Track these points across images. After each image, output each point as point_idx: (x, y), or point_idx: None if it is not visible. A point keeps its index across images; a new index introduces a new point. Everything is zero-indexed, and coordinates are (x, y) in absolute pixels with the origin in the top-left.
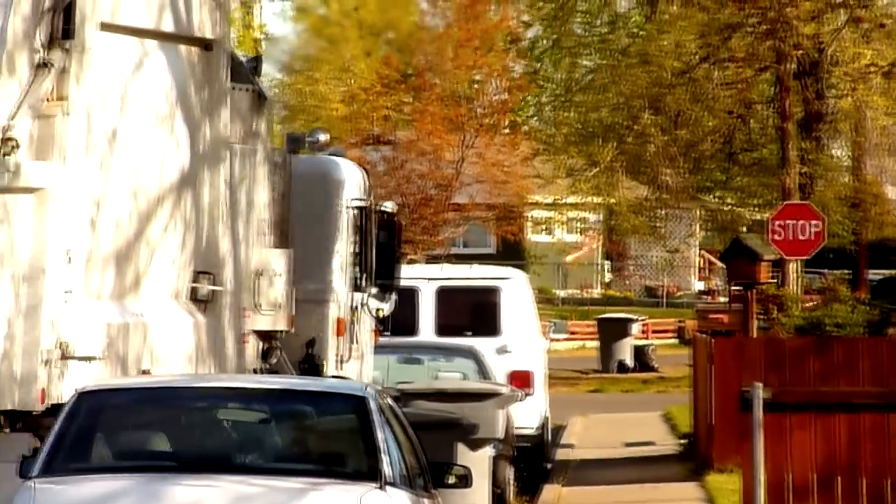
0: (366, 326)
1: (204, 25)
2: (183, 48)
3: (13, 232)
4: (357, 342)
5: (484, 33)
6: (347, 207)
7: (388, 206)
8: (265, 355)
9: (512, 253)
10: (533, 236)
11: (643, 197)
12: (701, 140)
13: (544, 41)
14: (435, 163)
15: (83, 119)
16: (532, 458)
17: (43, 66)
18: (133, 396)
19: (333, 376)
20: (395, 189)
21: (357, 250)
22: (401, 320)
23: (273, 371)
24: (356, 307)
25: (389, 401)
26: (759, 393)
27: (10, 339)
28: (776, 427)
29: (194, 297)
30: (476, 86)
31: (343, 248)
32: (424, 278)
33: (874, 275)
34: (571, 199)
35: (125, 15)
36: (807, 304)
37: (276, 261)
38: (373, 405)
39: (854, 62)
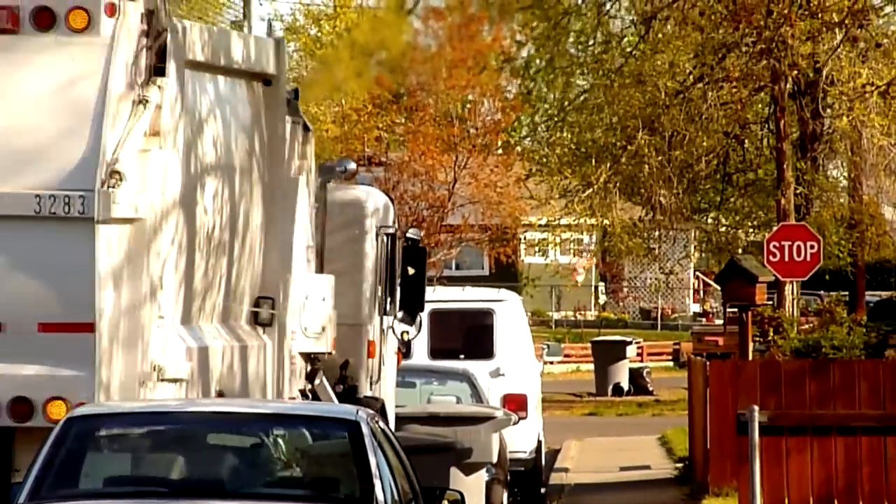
0: (391, 349)
1: (267, 62)
2: (252, 84)
3: (114, 260)
4: (385, 364)
5: (477, 53)
6: (378, 234)
7: (414, 233)
8: (310, 377)
9: (506, 275)
10: (527, 258)
11: (638, 218)
12: (696, 160)
13: (538, 61)
14: (428, 183)
15: (175, 152)
16: (527, 483)
17: (140, 102)
18: (122, 421)
19: (367, 397)
20: None
21: (385, 275)
22: None
23: (315, 393)
24: (384, 330)
25: (382, 425)
26: (756, 416)
27: (113, 363)
28: (773, 450)
29: (256, 320)
30: (469, 106)
31: (373, 274)
32: None
33: (871, 296)
34: (566, 221)
35: (205, 53)
36: (804, 327)
37: (321, 286)
38: (365, 429)
39: (850, 81)
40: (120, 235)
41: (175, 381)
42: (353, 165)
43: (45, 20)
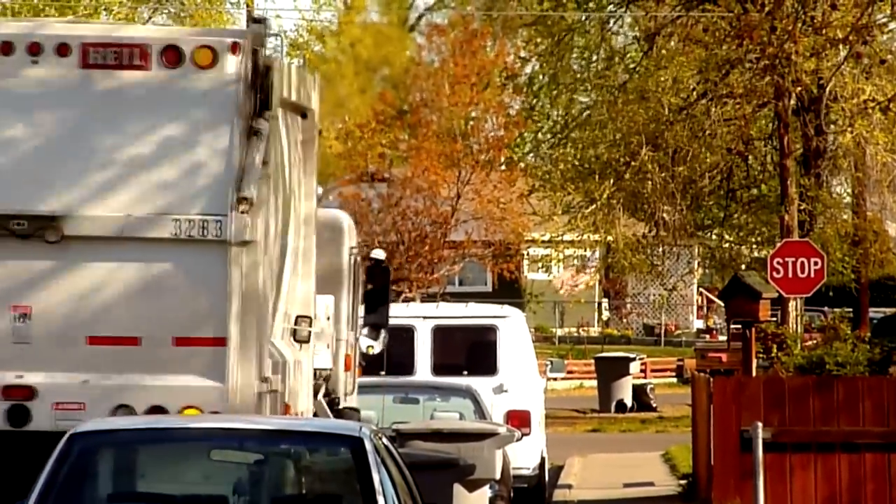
0: (356, 362)
1: (309, 96)
2: (297, 117)
3: (240, 279)
4: (356, 377)
5: (480, 69)
6: (349, 255)
7: (378, 253)
8: (315, 392)
9: (509, 291)
10: (530, 274)
11: (641, 234)
12: (700, 177)
13: (541, 77)
14: (431, 199)
15: (273, 181)
16: (530, 499)
17: (254, 133)
18: (125, 438)
19: (346, 408)
20: (391, 226)
21: (355, 293)
22: (397, 359)
23: (319, 406)
24: (357, 345)
25: (385, 441)
26: (760, 433)
27: (240, 375)
28: (777, 467)
29: (295, 337)
30: (472, 122)
31: (348, 292)
32: (420, 317)
33: (875, 313)
34: (569, 237)
35: (286, 88)
36: (807, 343)
37: (327, 304)
38: (369, 446)
39: (854, 98)
40: (244, 256)
41: (273, 392)
42: (320, 189)
43: (172, 57)
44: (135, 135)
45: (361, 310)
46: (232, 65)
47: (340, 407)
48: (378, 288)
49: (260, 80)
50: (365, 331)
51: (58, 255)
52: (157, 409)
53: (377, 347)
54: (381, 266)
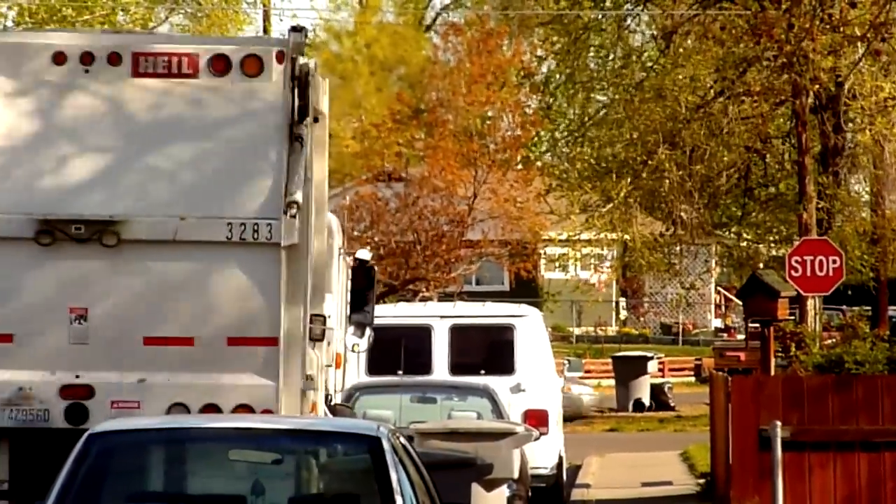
0: (345, 360)
1: (320, 100)
2: (316, 125)
3: (289, 281)
4: (344, 375)
5: (497, 68)
6: (338, 255)
7: (364, 254)
8: None
9: (526, 290)
10: (547, 273)
11: (659, 233)
12: (717, 175)
13: (558, 76)
14: (448, 199)
15: (307, 184)
16: (548, 499)
17: (297, 139)
18: (144, 438)
19: (339, 405)
20: (408, 226)
21: (343, 292)
22: (414, 359)
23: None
24: (346, 343)
25: (403, 440)
26: (779, 432)
27: (289, 374)
28: (796, 466)
29: (311, 336)
30: (489, 121)
31: (338, 292)
32: (438, 316)
33: (894, 311)
34: (586, 236)
35: (315, 94)
36: (826, 342)
37: (330, 304)
38: (386, 445)
39: (872, 95)
40: (292, 259)
41: (313, 388)
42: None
43: (220, 66)
44: (186, 141)
45: (347, 309)
46: (277, 73)
47: (332, 404)
48: (363, 288)
49: (300, 88)
50: (351, 329)
51: (114, 257)
52: (211, 407)
53: (362, 346)
54: (366, 266)
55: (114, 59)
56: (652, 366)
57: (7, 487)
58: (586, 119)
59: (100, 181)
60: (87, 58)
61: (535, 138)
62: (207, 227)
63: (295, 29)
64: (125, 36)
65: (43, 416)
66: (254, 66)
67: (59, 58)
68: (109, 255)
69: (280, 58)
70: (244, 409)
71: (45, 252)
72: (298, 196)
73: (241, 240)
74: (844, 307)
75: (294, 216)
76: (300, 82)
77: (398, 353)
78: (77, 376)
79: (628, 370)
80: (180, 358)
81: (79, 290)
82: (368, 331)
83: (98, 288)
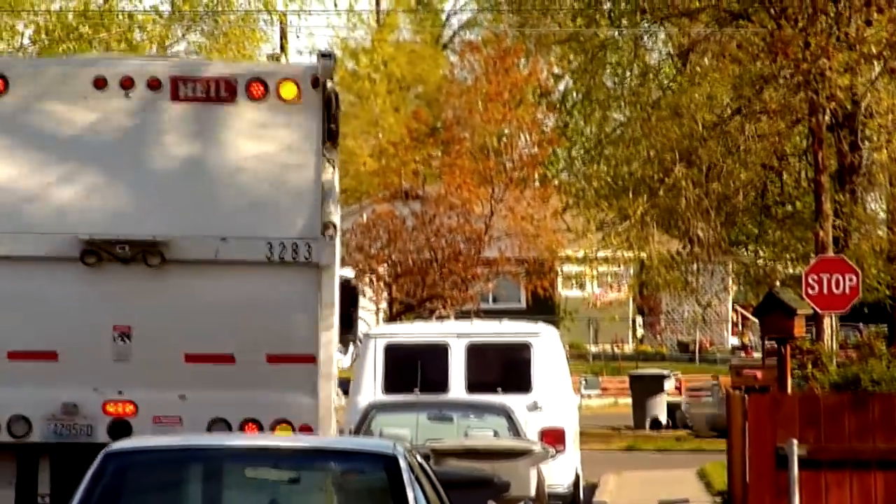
0: None
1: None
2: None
3: (325, 300)
4: None
5: (513, 86)
6: None
7: (347, 272)
8: None
9: (543, 308)
10: (564, 291)
11: (675, 251)
12: (734, 193)
13: (574, 94)
14: (464, 216)
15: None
16: None
17: (328, 161)
18: (160, 457)
19: None
20: (425, 243)
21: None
22: (431, 377)
23: None
24: None
25: (419, 459)
26: (795, 450)
27: (324, 390)
28: (812, 484)
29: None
30: (505, 139)
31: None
32: (454, 334)
33: None
34: (603, 254)
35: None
36: (842, 360)
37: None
38: (403, 463)
39: (889, 114)
40: (326, 278)
41: (340, 409)
42: None
43: (257, 90)
44: (225, 164)
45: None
46: (312, 97)
47: None
48: (347, 306)
49: (330, 112)
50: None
51: (157, 277)
52: (251, 423)
53: (345, 362)
54: (349, 285)
55: (153, 83)
56: (669, 384)
57: (49, 501)
58: (603, 137)
59: (143, 203)
60: (127, 82)
61: (552, 156)
62: (248, 247)
63: (324, 55)
64: (165, 61)
65: (87, 432)
66: (290, 90)
67: (99, 82)
68: (153, 275)
69: (315, 83)
70: (283, 424)
71: (91, 272)
72: (335, 217)
73: (281, 260)
74: (861, 325)
75: (332, 237)
76: (330, 106)
77: (415, 371)
78: (120, 392)
79: (645, 388)
80: (221, 375)
81: (122, 308)
82: (352, 347)
83: (141, 307)
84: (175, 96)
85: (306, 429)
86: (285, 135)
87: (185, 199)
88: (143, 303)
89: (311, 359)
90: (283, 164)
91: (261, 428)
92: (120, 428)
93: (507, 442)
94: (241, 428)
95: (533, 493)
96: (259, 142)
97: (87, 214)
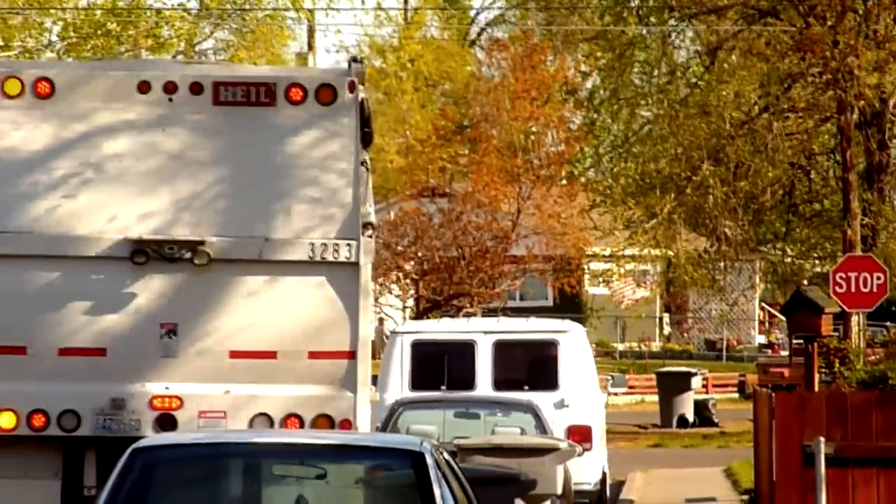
0: None
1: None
2: None
3: (363, 298)
4: None
5: (540, 84)
6: None
7: None
8: None
9: (570, 305)
10: (591, 289)
11: (703, 249)
12: (761, 191)
13: (602, 91)
14: (491, 214)
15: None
16: None
17: (363, 164)
18: (187, 452)
19: None
20: (452, 241)
21: None
22: (457, 374)
23: None
24: None
25: (446, 456)
26: (822, 448)
27: (363, 386)
28: (839, 482)
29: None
30: (533, 137)
31: None
32: (481, 332)
33: None
34: (630, 251)
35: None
36: (870, 358)
37: None
38: (430, 461)
39: None
40: (366, 277)
41: (373, 402)
42: None
43: (296, 95)
44: (267, 166)
45: None
46: (349, 101)
47: None
48: None
49: (363, 115)
50: None
51: (204, 276)
52: (292, 417)
53: None
54: None
55: (196, 88)
56: (696, 382)
57: (95, 493)
58: (630, 135)
59: (188, 204)
60: (170, 86)
61: (579, 154)
62: (291, 246)
63: (355, 60)
64: (207, 66)
65: (135, 426)
66: (328, 94)
67: (143, 86)
68: (199, 274)
69: (352, 87)
70: (324, 419)
71: (139, 271)
72: (373, 217)
73: (322, 259)
74: (888, 323)
75: (370, 237)
76: (364, 110)
77: (441, 368)
78: (167, 388)
79: (672, 386)
80: (263, 370)
81: (169, 306)
82: None
83: (187, 304)
84: (217, 100)
85: (346, 423)
86: (324, 138)
87: (229, 200)
88: (189, 301)
89: (351, 355)
90: (323, 167)
91: (302, 423)
92: (166, 422)
93: (534, 439)
94: (283, 422)
95: (559, 490)
96: (299, 145)
97: (136, 215)
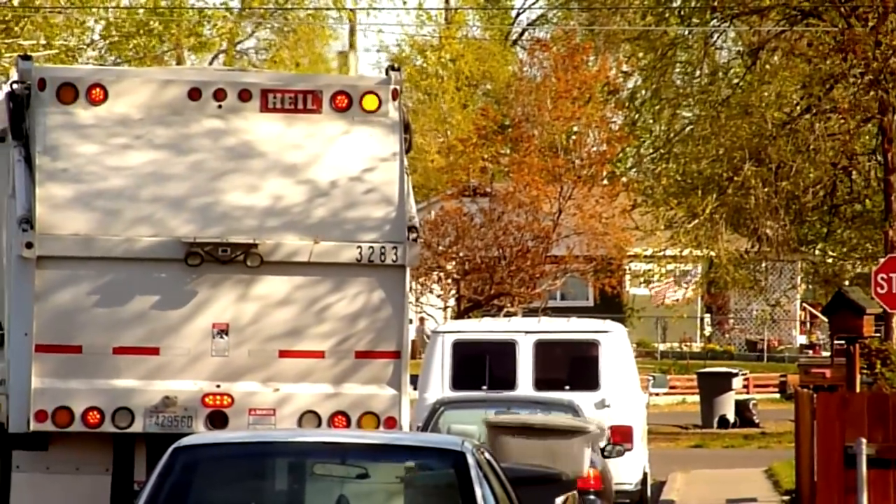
0: None
1: None
2: None
3: (406, 300)
4: None
5: (582, 84)
6: None
7: None
8: None
9: (610, 306)
10: (632, 289)
11: (744, 249)
12: (803, 192)
13: (644, 92)
14: (532, 214)
15: None
16: None
17: (405, 169)
18: (228, 452)
19: None
20: (493, 241)
21: None
22: (498, 374)
23: None
24: None
25: (487, 456)
26: (864, 449)
27: (406, 385)
28: (881, 484)
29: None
30: (574, 137)
31: None
32: (522, 331)
33: None
34: (671, 252)
35: None
36: None
37: None
38: (471, 460)
39: None
40: (408, 279)
41: (413, 401)
42: None
43: (342, 102)
44: (315, 171)
45: None
46: (393, 109)
47: None
48: None
49: (404, 122)
50: None
51: (255, 277)
52: (339, 415)
53: None
54: None
55: (245, 95)
56: (737, 382)
57: None
58: (672, 135)
59: (240, 207)
60: (220, 94)
61: (621, 154)
62: (340, 249)
63: (394, 68)
64: (255, 74)
65: (187, 423)
66: (373, 102)
67: (194, 93)
68: (251, 275)
69: (395, 95)
70: (370, 416)
71: (193, 272)
72: (417, 221)
73: (370, 262)
74: None
75: (415, 240)
76: (404, 117)
77: (482, 368)
78: (218, 386)
79: (713, 386)
80: (312, 369)
81: (222, 306)
82: None
83: (239, 305)
84: (265, 107)
85: (391, 420)
86: (369, 144)
87: (279, 204)
88: (240, 301)
89: (397, 354)
90: (369, 172)
91: (349, 421)
92: (218, 419)
93: (563, 420)
94: (331, 420)
95: (585, 471)
96: (345, 151)
97: (190, 218)
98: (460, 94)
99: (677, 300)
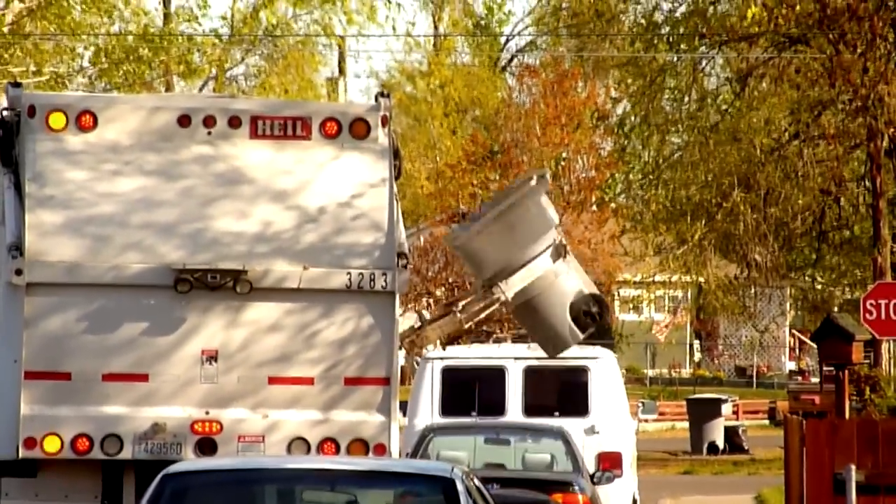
0: None
1: None
2: None
3: (396, 327)
4: None
5: (571, 110)
6: None
7: None
8: None
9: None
10: (621, 315)
11: (733, 275)
12: (792, 218)
13: (632, 118)
14: None
15: None
16: None
17: (395, 195)
18: (217, 478)
19: None
20: None
21: None
22: (488, 400)
23: None
24: None
25: (476, 482)
26: (853, 475)
27: (395, 412)
28: None
29: None
30: (563, 163)
31: None
32: (511, 357)
33: None
34: (660, 278)
35: None
36: None
37: None
38: (461, 486)
39: None
40: (398, 306)
41: (402, 428)
42: None
43: (331, 129)
44: (303, 198)
45: None
46: (382, 135)
47: None
48: None
49: (393, 148)
50: None
51: (244, 304)
52: (328, 441)
53: None
54: None
55: (234, 122)
56: (726, 408)
57: None
58: (661, 161)
59: (230, 234)
60: (209, 121)
61: (610, 180)
62: (328, 276)
63: (383, 95)
64: (245, 100)
65: (176, 450)
66: (362, 129)
67: (184, 120)
68: (240, 302)
69: (384, 121)
70: (359, 443)
71: (182, 298)
72: (406, 247)
73: (360, 288)
74: None
75: (405, 266)
76: (394, 143)
77: (472, 394)
78: (207, 412)
79: (702, 412)
80: (301, 396)
81: (211, 333)
82: None
83: (228, 331)
84: (254, 134)
85: (380, 447)
86: (359, 170)
87: (269, 230)
88: (230, 328)
89: (386, 381)
90: (359, 198)
91: (338, 447)
92: (206, 446)
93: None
94: (320, 447)
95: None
96: (335, 177)
97: (179, 245)
98: (449, 120)
99: (668, 326)
